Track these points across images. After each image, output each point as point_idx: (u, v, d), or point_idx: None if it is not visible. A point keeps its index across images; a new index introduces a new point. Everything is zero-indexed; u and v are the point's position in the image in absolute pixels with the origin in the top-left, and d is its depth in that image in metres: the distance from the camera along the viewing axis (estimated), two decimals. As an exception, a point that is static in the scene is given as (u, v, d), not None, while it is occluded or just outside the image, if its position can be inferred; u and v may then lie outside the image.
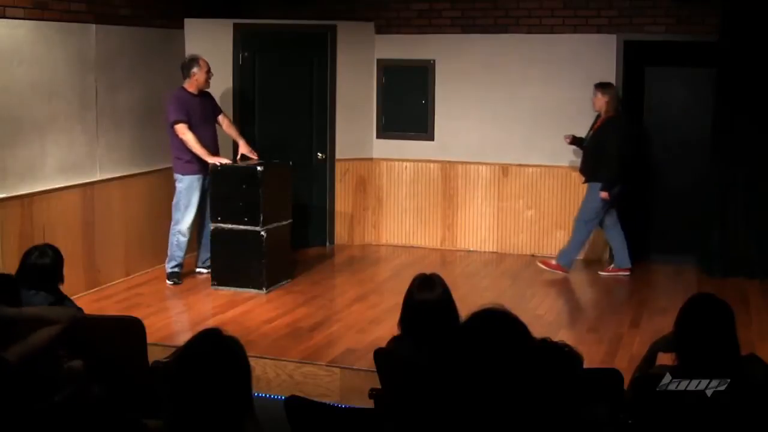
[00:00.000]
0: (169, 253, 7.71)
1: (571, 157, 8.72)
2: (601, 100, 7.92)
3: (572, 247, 8.11)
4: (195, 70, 7.51)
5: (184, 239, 7.63)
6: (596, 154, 7.91)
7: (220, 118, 7.84)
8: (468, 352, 2.10)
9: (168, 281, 7.67)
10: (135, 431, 2.34)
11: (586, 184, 8.08)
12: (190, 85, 7.54)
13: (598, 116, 8.04)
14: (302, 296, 7.35)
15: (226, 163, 7.47)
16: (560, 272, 8.05)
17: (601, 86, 7.99)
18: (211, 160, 7.43)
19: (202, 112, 7.60)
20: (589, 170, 8.03)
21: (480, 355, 2.09)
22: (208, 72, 7.57)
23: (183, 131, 7.43)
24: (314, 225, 9.17)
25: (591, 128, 8.10)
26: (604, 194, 7.84)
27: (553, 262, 8.12)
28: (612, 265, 8.24)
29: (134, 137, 7.88)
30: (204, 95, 7.67)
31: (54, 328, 3.72)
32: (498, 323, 2.16)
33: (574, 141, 8.26)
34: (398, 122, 9.24)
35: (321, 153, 9.09)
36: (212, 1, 8.96)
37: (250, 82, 8.75)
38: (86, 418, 2.20)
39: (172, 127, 7.46)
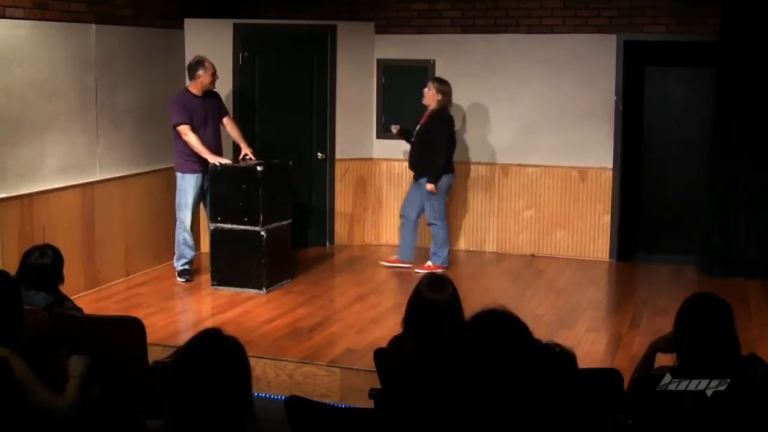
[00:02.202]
0: (177, 252, 7.77)
1: (571, 157, 8.73)
2: (435, 96, 7.92)
3: (440, 246, 8.14)
4: (200, 72, 7.53)
5: (189, 237, 7.68)
6: (425, 149, 7.96)
7: (225, 120, 7.83)
8: (470, 353, 2.10)
9: (179, 278, 7.74)
10: (136, 431, 2.35)
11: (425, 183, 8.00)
12: (194, 87, 7.57)
13: (425, 110, 8.06)
14: (302, 296, 7.35)
15: (225, 163, 7.47)
16: (438, 271, 7.90)
17: (438, 81, 8.03)
18: (213, 159, 7.44)
19: (204, 113, 7.61)
20: (418, 165, 8.07)
21: (482, 355, 2.09)
22: (214, 74, 7.59)
23: (185, 133, 7.48)
24: (314, 225, 9.17)
25: (418, 123, 8.12)
26: (430, 186, 7.90)
27: (428, 264, 8.09)
28: (395, 256, 8.34)
29: (134, 137, 7.89)
30: (209, 96, 7.67)
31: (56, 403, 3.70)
32: (501, 324, 2.16)
33: (401, 132, 8.28)
34: (398, 122, 9.21)
35: (321, 153, 9.09)
36: (212, 1, 8.96)
37: (250, 82, 8.75)
38: (87, 418, 2.21)
39: (174, 128, 7.52)
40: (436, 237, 8.16)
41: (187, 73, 7.65)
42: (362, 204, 9.32)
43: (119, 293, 7.37)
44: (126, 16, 7.71)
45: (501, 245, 9.04)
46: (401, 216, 8.34)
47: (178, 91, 7.68)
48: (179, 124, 7.48)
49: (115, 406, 3.82)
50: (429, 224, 8.19)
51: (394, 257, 8.35)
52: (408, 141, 8.28)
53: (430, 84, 8.03)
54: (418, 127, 8.09)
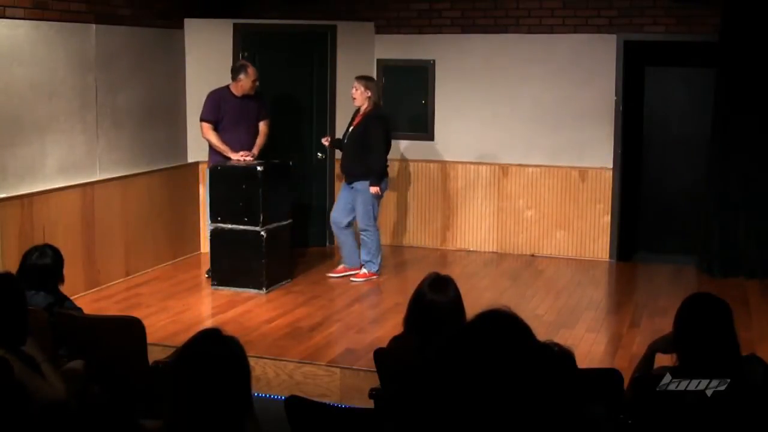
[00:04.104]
0: None
1: (571, 156, 8.73)
2: (364, 94, 7.56)
3: (372, 253, 7.80)
4: (242, 76, 7.56)
5: None
6: (360, 151, 7.59)
7: (260, 123, 7.80)
8: (472, 353, 2.10)
9: (206, 274, 7.80)
10: (131, 431, 2.34)
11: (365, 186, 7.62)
12: (234, 88, 7.62)
13: (356, 112, 7.75)
14: (302, 296, 7.35)
15: (248, 159, 7.45)
16: (374, 278, 7.82)
17: (364, 79, 7.69)
18: (235, 156, 7.46)
19: (239, 113, 7.62)
20: (353, 169, 7.67)
21: (484, 356, 2.09)
22: (255, 81, 7.60)
23: (205, 130, 7.58)
24: (314, 225, 9.17)
25: (349, 125, 7.80)
26: (375, 189, 7.56)
27: (363, 271, 7.80)
28: (342, 265, 7.94)
29: (134, 137, 7.89)
30: (250, 97, 7.66)
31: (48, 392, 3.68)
32: (503, 325, 2.16)
33: (334, 143, 7.96)
34: (398, 122, 9.24)
35: (321, 153, 9.09)
36: (212, 1, 8.96)
37: (250, 82, 8.75)
38: (83, 417, 2.21)
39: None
40: (368, 244, 7.76)
41: (230, 73, 7.64)
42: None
43: (119, 293, 7.37)
44: (126, 16, 7.71)
45: (501, 245, 9.05)
46: (333, 223, 7.90)
47: (216, 87, 7.68)
48: (202, 120, 7.60)
49: (112, 406, 3.81)
50: (361, 230, 7.74)
51: (342, 266, 7.94)
52: (341, 148, 7.90)
53: (356, 83, 7.63)
54: (351, 128, 7.73)
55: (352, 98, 7.68)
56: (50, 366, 3.75)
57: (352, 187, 7.72)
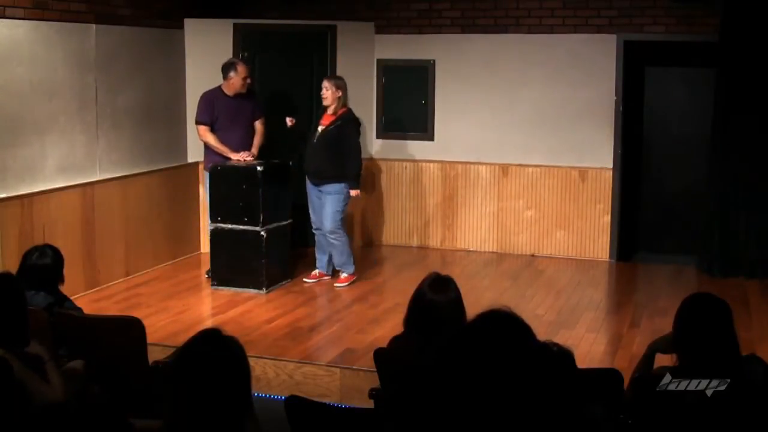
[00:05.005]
0: None
1: (571, 157, 8.73)
2: (335, 94, 7.41)
3: (346, 254, 7.62)
4: (232, 74, 7.54)
5: None
6: (333, 153, 7.41)
7: (256, 123, 7.78)
8: (472, 353, 2.10)
9: (206, 274, 7.78)
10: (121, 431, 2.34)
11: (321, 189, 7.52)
12: (226, 87, 7.60)
13: (324, 110, 7.56)
14: (302, 296, 7.35)
15: (247, 160, 7.45)
16: (353, 278, 7.71)
17: (335, 79, 7.56)
18: (235, 156, 7.46)
19: (234, 113, 7.61)
20: (324, 171, 7.47)
21: (484, 355, 2.09)
22: (245, 78, 7.57)
23: (203, 133, 7.57)
24: (314, 225, 9.16)
25: (318, 124, 7.57)
26: (355, 192, 7.49)
27: (343, 276, 7.66)
28: (316, 271, 7.78)
29: (134, 137, 7.88)
30: (245, 96, 7.65)
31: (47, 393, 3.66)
32: (504, 325, 2.16)
33: (296, 128, 7.73)
34: (398, 122, 9.25)
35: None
36: (212, 1, 8.96)
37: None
38: (77, 417, 2.21)
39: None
40: (339, 247, 7.57)
41: (221, 72, 7.62)
42: (361, 204, 9.31)
43: (119, 293, 7.37)
44: (126, 16, 7.71)
45: (501, 245, 9.05)
46: (316, 229, 7.71)
47: (209, 89, 7.67)
48: (197, 123, 7.59)
49: (105, 406, 3.81)
50: (330, 233, 7.50)
51: (317, 272, 7.79)
52: (303, 141, 7.70)
53: (326, 83, 7.47)
54: (322, 128, 7.49)
55: (323, 98, 7.52)
56: (54, 365, 3.75)
57: (320, 189, 7.56)
